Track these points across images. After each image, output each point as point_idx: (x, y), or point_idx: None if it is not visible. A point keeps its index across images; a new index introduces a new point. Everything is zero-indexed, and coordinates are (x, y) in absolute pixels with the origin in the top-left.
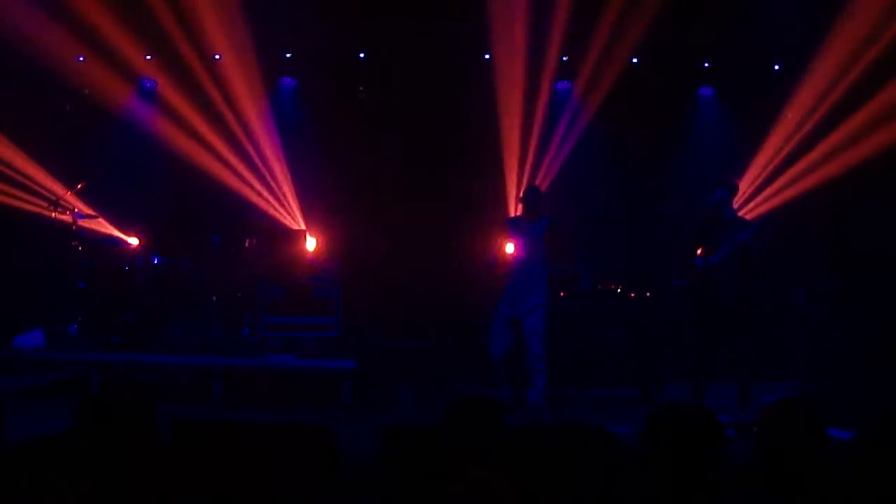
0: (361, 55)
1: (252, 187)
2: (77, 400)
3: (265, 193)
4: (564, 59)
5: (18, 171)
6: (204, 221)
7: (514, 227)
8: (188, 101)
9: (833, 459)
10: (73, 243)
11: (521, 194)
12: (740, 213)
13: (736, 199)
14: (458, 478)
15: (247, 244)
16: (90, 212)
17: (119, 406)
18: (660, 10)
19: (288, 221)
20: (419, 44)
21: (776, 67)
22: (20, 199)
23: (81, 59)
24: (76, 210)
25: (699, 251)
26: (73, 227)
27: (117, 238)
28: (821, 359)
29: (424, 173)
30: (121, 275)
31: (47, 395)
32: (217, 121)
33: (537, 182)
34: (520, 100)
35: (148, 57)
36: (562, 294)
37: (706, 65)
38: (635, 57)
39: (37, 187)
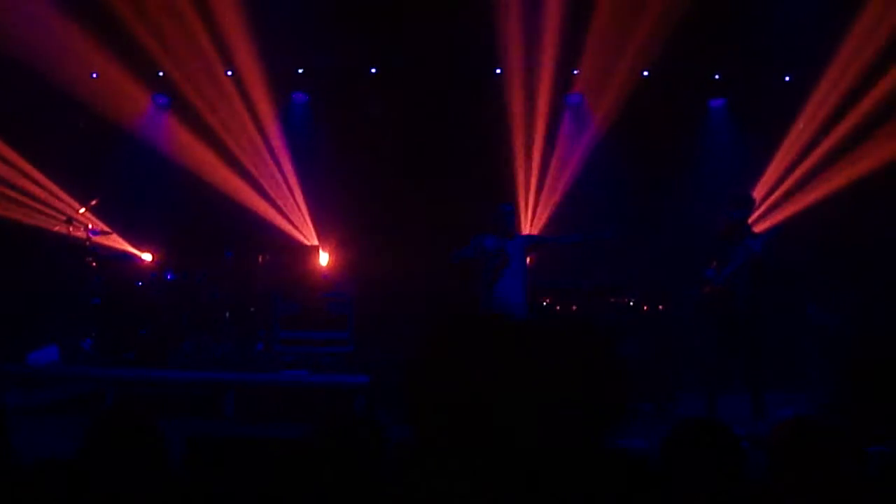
0: (373, 70)
1: (265, 203)
2: (89, 420)
3: (278, 209)
4: (575, 72)
5: (33, 188)
6: (217, 237)
7: (491, 245)
8: (201, 117)
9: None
10: (87, 259)
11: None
12: (753, 223)
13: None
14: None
15: (260, 260)
16: (104, 228)
17: (125, 428)
18: (670, 23)
19: (301, 237)
20: (430, 59)
21: (787, 78)
22: (34, 215)
23: (95, 75)
24: (90, 226)
25: (713, 264)
26: (87, 244)
27: (131, 254)
28: (834, 370)
29: (437, 188)
30: (134, 290)
31: (62, 411)
32: (230, 136)
33: (549, 195)
34: (532, 114)
35: (161, 73)
36: (574, 308)
37: (717, 76)
38: (646, 69)
39: (51, 204)
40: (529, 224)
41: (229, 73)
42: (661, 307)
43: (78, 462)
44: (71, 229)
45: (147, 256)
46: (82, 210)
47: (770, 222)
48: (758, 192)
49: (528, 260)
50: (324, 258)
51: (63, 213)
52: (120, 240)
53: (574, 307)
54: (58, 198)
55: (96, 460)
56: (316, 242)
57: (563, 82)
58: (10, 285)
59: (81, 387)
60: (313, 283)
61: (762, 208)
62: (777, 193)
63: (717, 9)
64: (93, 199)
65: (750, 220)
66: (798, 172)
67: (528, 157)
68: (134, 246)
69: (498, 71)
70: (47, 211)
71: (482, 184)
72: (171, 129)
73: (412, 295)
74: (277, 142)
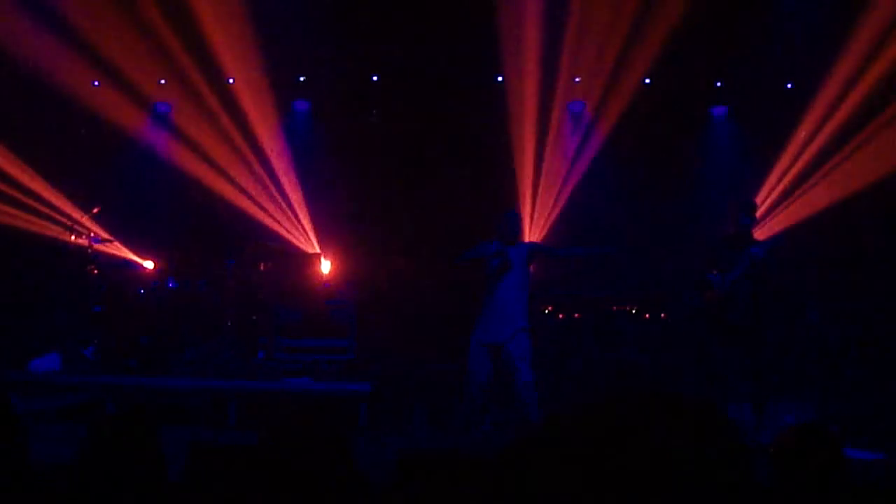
0: (374, 78)
1: (267, 211)
2: (87, 427)
3: (280, 217)
4: (576, 79)
5: (35, 196)
6: (219, 245)
7: (495, 249)
8: (202, 125)
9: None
10: (89, 267)
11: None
12: (756, 231)
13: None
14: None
15: (262, 268)
16: (106, 236)
17: (122, 432)
18: (672, 31)
19: (302, 245)
20: (432, 67)
21: (789, 86)
22: (37, 223)
23: (96, 83)
24: (92, 234)
25: (715, 270)
26: (89, 251)
27: (133, 262)
28: (837, 377)
29: (438, 195)
30: (136, 298)
31: (63, 419)
32: (231, 144)
33: (551, 202)
34: (533, 121)
35: (162, 81)
36: (576, 315)
37: (719, 84)
38: (648, 77)
39: (53, 212)
40: (531, 231)
41: (231, 80)
42: (663, 315)
43: (75, 466)
44: (73, 237)
45: (149, 264)
46: (84, 218)
47: (772, 229)
48: (760, 200)
49: (530, 268)
50: (325, 266)
51: (65, 222)
52: (122, 248)
53: (577, 315)
54: (60, 206)
55: (93, 464)
56: (318, 250)
57: (564, 90)
58: (12, 292)
59: (83, 394)
60: (315, 290)
61: (764, 215)
62: (779, 200)
63: (718, 16)
64: (95, 207)
65: (753, 228)
66: (800, 180)
67: (530, 164)
68: (136, 254)
69: (499, 79)
70: (50, 219)
71: (484, 191)
72: (172, 137)
73: (414, 302)
74: (279, 149)
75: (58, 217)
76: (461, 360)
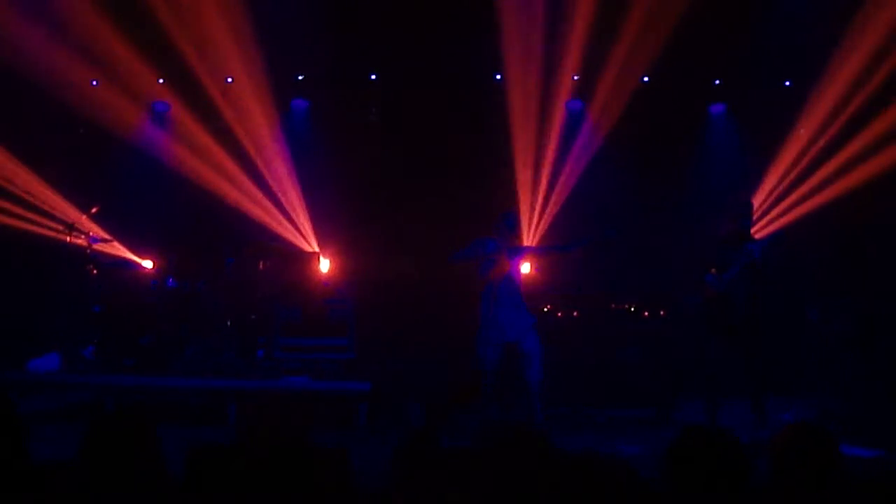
0: (373, 76)
1: (265, 210)
2: (87, 427)
3: (279, 216)
4: (575, 78)
5: (33, 196)
6: (218, 244)
7: (492, 249)
8: (201, 124)
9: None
10: (88, 267)
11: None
12: (755, 229)
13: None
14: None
15: (261, 267)
16: (105, 235)
17: (122, 435)
18: (671, 29)
19: (301, 243)
20: (431, 64)
21: (787, 83)
22: (35, 223)
23: (95, 83)
24: (91, 234)
25: (712, 270)
26: (88, 251)
27: (132, 261)
28: (836, 375)
29: (437, 194)
30: (135, 298)
31: (62, 419)
32: (230, 143)
33: (550, 201)
34: (532, 120)
35: (161, 80)
36: (575, 314)
37: (717, 82)
38: (647, 75)
39: (52, 212)
40: (530, 230)
41: (229, 79)
42: (661, 313)
43: (75, 466)
44: (72, 237)
45: (148, 264)
46: (83, 218)
47: (771, 227)
48: (758, 198)
49: (528, 267)
50: (324, 265)
51: (64, 221)
52: (121, 247)
53: (575, 313)
54: (59, 206)
55: (93, 464)
56: (317, 249)
57: (563, 89)
58: (11, 293)
59: (83, 394)
60: (314, 289)
61: (763, 213)
62: (778, 198)
63: (716, 13)
64: (93, 207)
65: (750, 227)
66: (799, 177)
67: (529, 163)
68: (135, 253)
69: (497, 77)
70: (48, 219)
71: (483, 190)
72: (171, 136)
73: (413, 301)
74: (278, 148)
75: (57, 217)
76: (461, 360)
